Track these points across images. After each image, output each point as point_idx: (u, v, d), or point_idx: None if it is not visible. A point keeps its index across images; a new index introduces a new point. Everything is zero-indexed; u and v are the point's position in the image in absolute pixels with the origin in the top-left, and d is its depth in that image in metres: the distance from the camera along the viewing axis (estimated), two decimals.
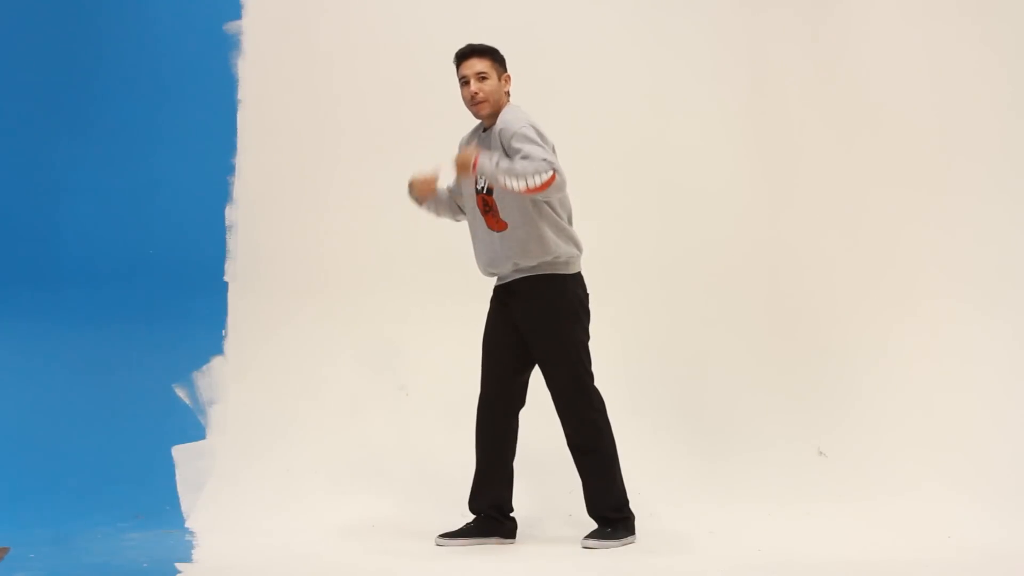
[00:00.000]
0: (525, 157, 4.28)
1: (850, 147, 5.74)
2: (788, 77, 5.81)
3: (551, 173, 4.24)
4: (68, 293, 5.49)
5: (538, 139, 4.36)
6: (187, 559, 4.31)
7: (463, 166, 4.39)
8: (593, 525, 4.58)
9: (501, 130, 4.44)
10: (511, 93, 4.58)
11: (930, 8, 5.79)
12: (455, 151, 4.72)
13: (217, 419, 5.39)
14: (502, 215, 4.47)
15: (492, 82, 4.51)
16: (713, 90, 5.82)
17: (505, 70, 4.57)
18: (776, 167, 5.78)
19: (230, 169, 5.68)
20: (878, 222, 5.67)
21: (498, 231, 4.48)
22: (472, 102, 4.52)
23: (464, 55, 4.54)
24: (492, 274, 4.62)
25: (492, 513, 4.60)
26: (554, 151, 4.48)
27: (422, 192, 4.64)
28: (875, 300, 5.58)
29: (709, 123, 5.81)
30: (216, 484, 5.13)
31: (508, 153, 4.39)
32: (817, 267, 5.66)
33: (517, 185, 4.26)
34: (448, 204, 4.75)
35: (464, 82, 4.53)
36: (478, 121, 4.65)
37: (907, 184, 5.68)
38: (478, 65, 4.51)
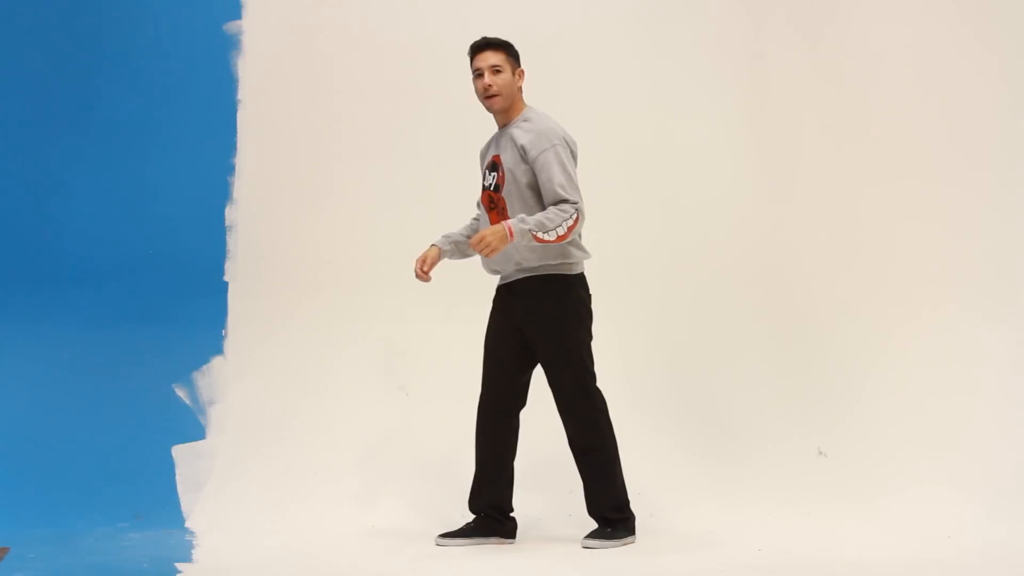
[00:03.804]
0: (550, 182, 4.34)
1: (850, 148, 5.74)
2: (788, 79, 5.80)
3: (575, 219, 4.33)
4: (68, 293, 5.50)
5: (567, 161, 4.40)
6: (187, 559, 4.31)
7: (490, 245, 4.31)
8: (593, 525, 4.58)
9: (525, 145, 4.42)
10: (523, 90, 4.59)
11: (929, 10, 5.78)
12: (476, 160, 4.72)
13: (217, 419, 5.39)
14: (509, 213, 4.47)
15: (506, 76, 4.51)
16: (713, 92, 5.82)
17: (519, 65, 4.57)
18: (776, 168, 5.78)
19: (230, 169, 5.68)
20: (878, 222, 5.67)
21: None
22: (485, 95, 4.52)
23: (479, 47, 4.54)
24: (495, 272, 4.61)
25: (492, 513, 4.60)
26: (575, 157, 4.50)
27: (428, 269, 4.60)
28: (875, 301, 5.58)
29: (709, 125, 5.81)
30: (216, 484, 5.13)
31: (534, 166, 4.40)
32: (817, 267, 5.66)
33: (548, 237, 4.32)
34: (464, 243, 4.71)
35: (478, 75, 4.53)
36: (481, 121, 4.65)
37: (907, 184, 5.68)
38: (492, 58, 4.51)
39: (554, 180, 4.36)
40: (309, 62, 5.77)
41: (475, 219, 4.77)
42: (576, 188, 4.40)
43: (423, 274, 4.59)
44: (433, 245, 4.65)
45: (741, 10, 5.86)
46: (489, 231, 4.32)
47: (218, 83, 5.69)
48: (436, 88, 5.63)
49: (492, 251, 4.31)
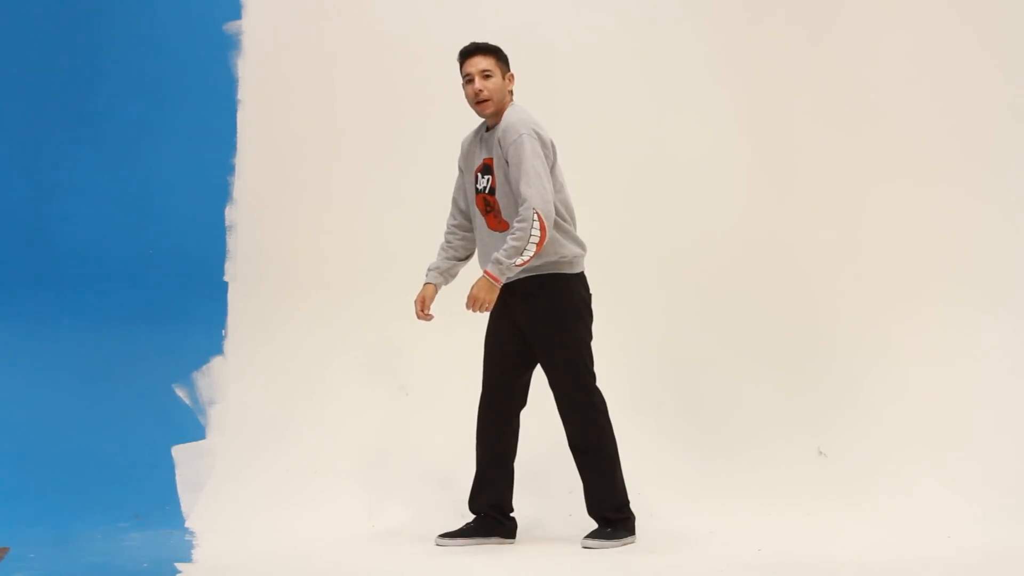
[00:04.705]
0: (516, 180, 4.33)
1: (850, 147, 5.74)
2: (788, 79, 5.80)
3: (538, 220, 4.29)
4: (68, 294, 5.49)
5: (531, 152, 4.35)
6: (187, 559, 4.32)
7: (484, 301, 4.36)
8: (593, 525, 4.58)
9: (504, 131, 4.43)
10: (514, 92, 4.58)
11: (929, 10, 5.78)
12: (456, 152, 4.72)
13: (217, 419, 5.39)
14: (504, 215, 4.47)
15: (496, 80, 4.50)
16: (713, 92, 5.81)
17: (509, 69, 4.56)
18: (776, 167, 5.77)
19: (230, 169, 5.68)
20: (878, 222, 5.67)
21: (500, 231, 4.48)
22: (476, 100, 4.51)
23: (468, 53, 4.53)
24: None
25: (492, 513, 4.60)
26: (554, 149, 4.48)
27: (428, 311, 4.63)
28: (875, 300, 5.58)
29: (709, 124, 5.80)
30: (216, 484, 5.13)
31: (507, 159, 4.40)
32: (817, 267, 5.66)
33: (528, 255, 4.32)
34: (454, 267, 4.73)
35: (468, 80, 4.52)
36: (479, 121, 4.64)
37: (907, 184, 5.68)
38: (482, 63, 4.50)
39: (518, 177, 4.35)
40: (309, 62, 5.77)
41: (448, 235, 4.74)
42: (537, 179, 4.33)
43: (424, 315, 4.62)
44: (427, 283, 4.67)
45: (741, 9, 5.85)
46: (476, 289, 4.36)
47: (218, 83, 5.68)
48: (436, 88, 5.62)
49: (488, 306, 4.37)
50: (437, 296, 4.68)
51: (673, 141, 5.80)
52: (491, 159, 4.51)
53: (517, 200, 4.37)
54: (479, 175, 4.57)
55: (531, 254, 4.33)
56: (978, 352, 5.41)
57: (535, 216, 4.30)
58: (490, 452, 4.62)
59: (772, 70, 5.82)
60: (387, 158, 5.74)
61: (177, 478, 5.15)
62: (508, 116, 4.47)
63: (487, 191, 4.52)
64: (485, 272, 4.37)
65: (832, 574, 4.10)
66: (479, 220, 4.58)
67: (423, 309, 4.63)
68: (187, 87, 5.67)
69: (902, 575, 4.09)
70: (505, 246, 4.34)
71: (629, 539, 4.52)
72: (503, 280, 4.37)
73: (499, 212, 4.49)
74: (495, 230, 4.51)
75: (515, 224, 4.34)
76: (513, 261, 4.32)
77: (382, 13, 5.82)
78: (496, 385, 4.61)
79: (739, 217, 5.74)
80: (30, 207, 5.54)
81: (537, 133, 4.42)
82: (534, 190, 4.32)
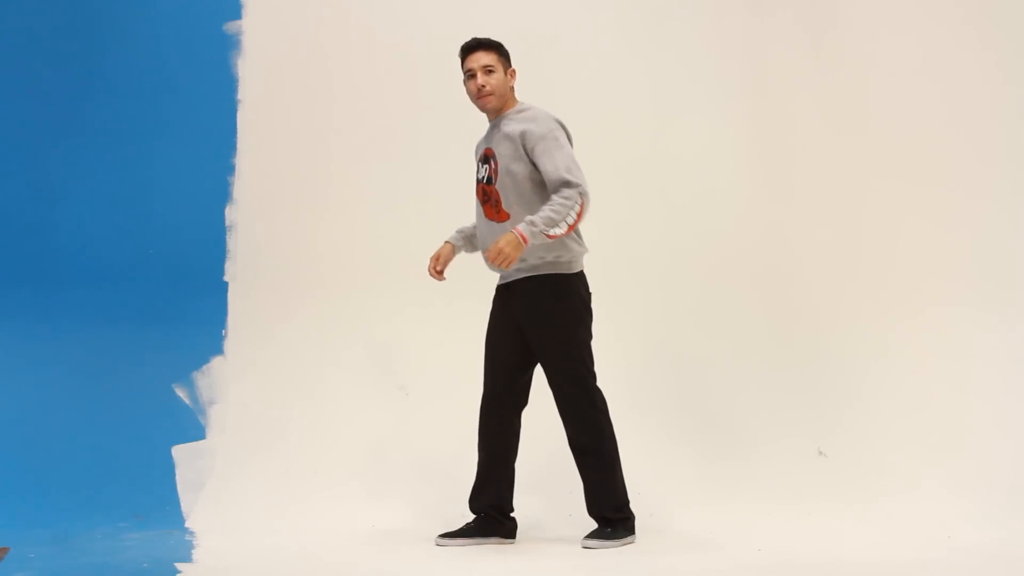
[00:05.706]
0: (555, 168, 4.33)
1: (851, 147, 5.75)
2: (789, 78, 5.81)
3: (580, 206, 4.32)
4: (68, 293, 5.50)
5: (567, 144, 4.42)
6: (187, 559, 4.31)
7: (508, 256, 4.29)
8: (593, 525, 4.58)
9: (524, 133, 4.41)
10: (515, 91, 4.59)
11: (930, 10, 5.79)
12: (472, 154, 4.71)
13: (217, 419, 5.39)
14: (504, 206, 4.47)
15: (498, 75, 4.51)
16: (713, 91, 5.82)
17: (510, 64, 4.57)
18: (776, 167, 5.78)
19: (230, 169, 5.68)
20: (878, 222, 5.68)
21: (499, 222, 4.48)
22: (478, 95, 4.52)
23: (470, 48, 4.54)
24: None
25: (492, 513, 4.60)
26: (571, 142, 4.51)
27: (442, 268, 4.66)
28: (875, 300, 5.58)
29: (710, 124, 5.81)
30: (216, 484, 5.13)
31: (533, 154, 4.39)
32: (817, 267, 5.67)
33: (559, 231, 4.32)
34: (476, 238, 4.74)
35: (470, 75, 4.53)
36: (481, 120, 4.64)
37: (907, 183, 5.68)
38: (484, 58, 4.51)
39: (558, 165, 4.36)
40: (309, 62, 5.77)
41: None
42: (579, 169, 4.40)
43: (437, 274, 4.63)
44: (446, 242, 4.69)
45: (743, 8, 5.86)
46: (503, 241, 4.30)
47: (218, 83, 5.69)
48: (436, 88, 5.63)
49: (511, 261, 4.31)
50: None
51: (673, 141, 5.80)
52: (491, 149, 4.52)
53: (553, 184, 4.35)
54: (479, 165, 4.58)
55: (561, 232, 4.32)
56: (978, 352, 5.41)
57: (580, 201, 4.32)
58: (492, 452, 4.62)
59: (773, 70, 5.82)
60: (387, 158, 5.75)
61: (177, 478, 5.15)
62: (532, 113, 4.48)
63: (485, 180, 4.52)
64: (515, 229, 4.32)
65: (832, 574, 4.09)
66: (479, 208, 4.59)
67: (435, 267, 4.63)
68: (187, 87, 5.67)
69: (902, 575, 4.09)
70: (542, 212, 4.32)
71: (629, 539, 4.52)
72: (531, 243, 4.32)
73: (498, 203, 4.48)
74: (492, 220, 4.51)
75: (557, 198, 4.33)
76: (546, 229, 4.30)
77: (382, 13, 5.83)
78: (497, 385, 4.61)
79: (739, 217, 5.74)
80: (29, 207, 5.55)
81: (563, 126, 4.47)
82: (580, 177, 4.36)
